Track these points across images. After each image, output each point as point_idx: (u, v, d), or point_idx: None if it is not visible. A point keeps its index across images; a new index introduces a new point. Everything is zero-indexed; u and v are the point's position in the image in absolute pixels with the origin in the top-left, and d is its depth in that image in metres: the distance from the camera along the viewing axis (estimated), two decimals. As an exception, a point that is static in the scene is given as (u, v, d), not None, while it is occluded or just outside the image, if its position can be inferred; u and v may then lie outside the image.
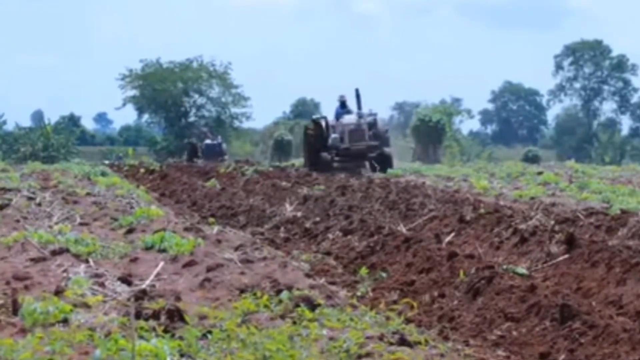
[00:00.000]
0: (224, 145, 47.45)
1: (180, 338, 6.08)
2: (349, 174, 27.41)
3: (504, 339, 7.46)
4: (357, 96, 31.95)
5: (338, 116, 31.73)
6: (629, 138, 71.39)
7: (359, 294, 9.24)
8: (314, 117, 33.29)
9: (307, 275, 9.31)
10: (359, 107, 31.88)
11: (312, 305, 7.28)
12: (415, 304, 8.34)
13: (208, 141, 45.95)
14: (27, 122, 65.78)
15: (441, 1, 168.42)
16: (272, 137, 59.65)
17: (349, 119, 31.25)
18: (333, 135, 30.89)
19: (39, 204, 15.74)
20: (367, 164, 30.58)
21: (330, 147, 30.80)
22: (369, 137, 30.79)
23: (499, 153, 64.45)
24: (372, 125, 31.25)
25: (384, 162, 30.11)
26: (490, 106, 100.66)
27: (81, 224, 12.99)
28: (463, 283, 8.97)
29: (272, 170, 30.05)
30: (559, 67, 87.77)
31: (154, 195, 20.65)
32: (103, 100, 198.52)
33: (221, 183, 23.39)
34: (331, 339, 6.34)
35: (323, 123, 31.51)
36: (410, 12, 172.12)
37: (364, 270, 10.37)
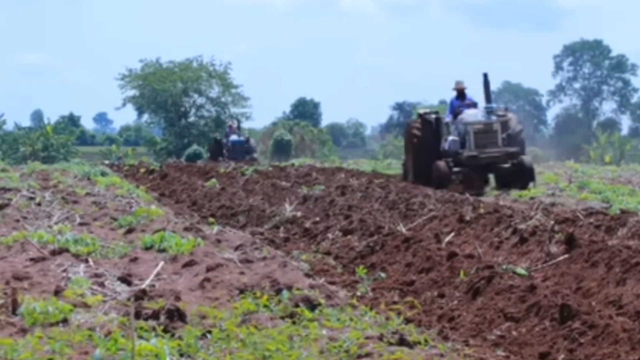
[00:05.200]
0: (253, 142, 41.02)
1: (180, 338, 6.08)
2: (467, 190, 19.78)
3: (503, 339, 7.46)
4: (486, 84, 22.98)
5: (455, 111, 23.12)
6: (629, 138, 71.35)
7: (358, 293, 9.22)
8: (422, 111, 24.66)
9: (307, 275, 9.30)
10: (488, 99, 23.00)
11: (312, 305, 7.27)
12: (415, 304, 8.34)
13: (234, 137, 39.83)
14: (26, 122, 66.07)
15: (441, 0, 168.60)
16: (271, 137, 59.75)
17: (474, 115, 22.59)
18: (450, 138, 22.59)
19: (39, 204, 15.73)
20: (490, 177, 22.93)
21: (446, 153, 22.47)
22: (502, 141, 22.43)
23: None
24: (505, 124, 22.80)
25: (524, 175, 21.91)
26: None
27: (81, 224, 12.98)
28: (463, 283, 8.97)
29: (272, 170, 29.94)
30: (558, 67, 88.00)
31: (154, 195, 20.64)
32: (103, 100, 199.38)
33: (221, 183, 23.37)
34: (331, 339, 6.33)
35: (433, 120, 23.48)
36: (409, 12, 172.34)
37: (361, 270, 10.36)
